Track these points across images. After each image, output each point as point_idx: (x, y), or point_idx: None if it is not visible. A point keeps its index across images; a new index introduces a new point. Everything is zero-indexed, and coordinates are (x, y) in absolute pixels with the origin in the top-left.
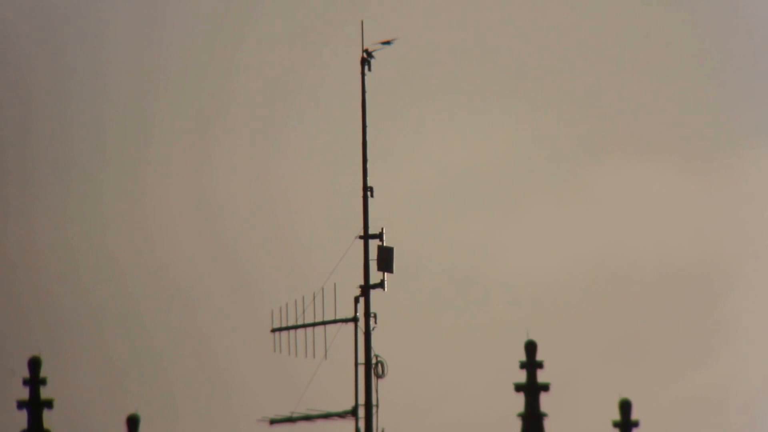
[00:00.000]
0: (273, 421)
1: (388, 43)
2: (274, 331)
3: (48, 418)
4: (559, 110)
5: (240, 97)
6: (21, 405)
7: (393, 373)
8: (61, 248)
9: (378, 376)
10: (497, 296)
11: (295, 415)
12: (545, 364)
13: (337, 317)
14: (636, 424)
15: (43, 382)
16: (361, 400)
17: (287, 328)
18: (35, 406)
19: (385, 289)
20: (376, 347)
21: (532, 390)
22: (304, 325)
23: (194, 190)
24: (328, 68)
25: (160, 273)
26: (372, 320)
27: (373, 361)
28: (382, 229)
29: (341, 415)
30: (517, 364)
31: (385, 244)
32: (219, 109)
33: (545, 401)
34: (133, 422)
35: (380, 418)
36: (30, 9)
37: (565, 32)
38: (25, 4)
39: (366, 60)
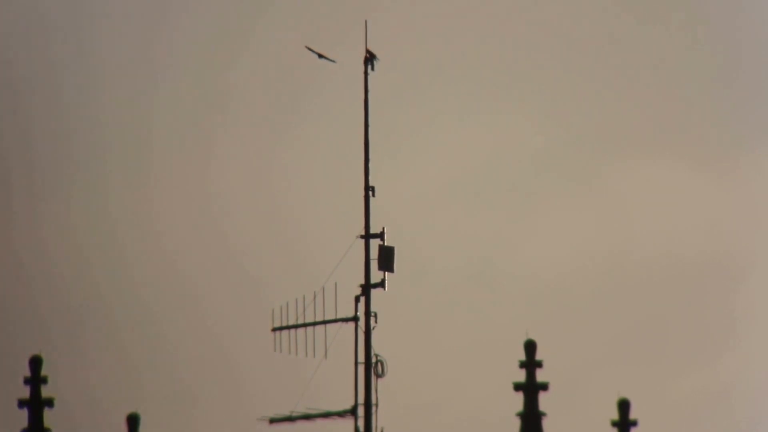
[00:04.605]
0: (273, 420)
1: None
2: (274, 330)
3: (48, 417)
4: (569, 109)
5: (242, 96)
6: (21, 404)
7: (393, 373)
8: (61, 248)
9: (378, 376)
10: (497, 296)
11: (294, 414)
12: (544, 363)
13: (338, 316)
14: (634, 423)
15: (44, 380)
16: (361, 399)
17: (288, 327)
18: (36, 405)
19: (386, 288)
20: (376, 347)
21: (531, 389)
22: (305, 325)
23: (196, 189)
24: (331, 67)
25: (161, 272)
26: (372, 319)
27: (373, 360)
28: (383, 228)
29: (341, 414)
30: (517, 364)
31: (386, 244)
32: (221, 109)
33: (544, 400)
34: (133, 421)
35: (380, 418)
36: (31, 8)
37: (578, 31)
38: (25, 4)
39: (369, 60)
